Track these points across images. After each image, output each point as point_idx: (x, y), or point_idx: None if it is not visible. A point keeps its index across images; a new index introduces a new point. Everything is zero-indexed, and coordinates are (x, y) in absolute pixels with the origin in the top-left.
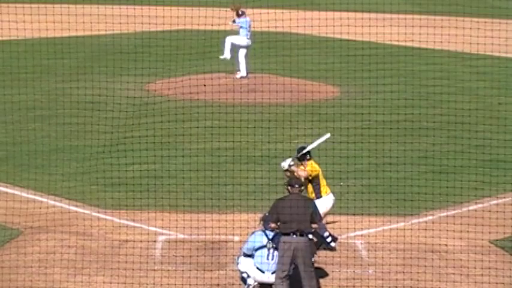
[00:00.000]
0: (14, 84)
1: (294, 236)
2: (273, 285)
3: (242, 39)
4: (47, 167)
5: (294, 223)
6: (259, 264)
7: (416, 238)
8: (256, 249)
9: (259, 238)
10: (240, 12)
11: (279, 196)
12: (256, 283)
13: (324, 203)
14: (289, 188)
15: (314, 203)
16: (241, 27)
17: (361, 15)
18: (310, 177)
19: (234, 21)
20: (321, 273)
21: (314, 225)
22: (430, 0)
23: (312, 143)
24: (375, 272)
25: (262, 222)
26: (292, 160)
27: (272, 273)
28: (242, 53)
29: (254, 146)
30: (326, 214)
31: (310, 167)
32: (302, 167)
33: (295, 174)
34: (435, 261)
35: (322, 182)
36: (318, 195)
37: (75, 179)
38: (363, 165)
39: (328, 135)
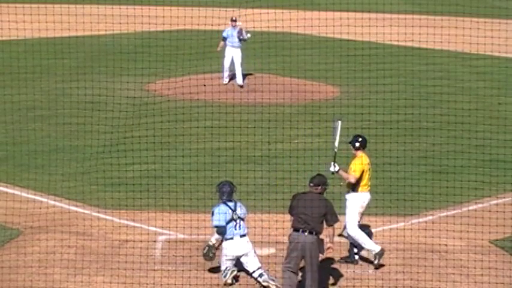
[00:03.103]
0: (14, 84)
1: (304, 234)
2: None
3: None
4: (47, 167)
5: (306, 220)
6: (229, 236)
7: (416, 238)
8: (227, 223)
9: (224, 209)
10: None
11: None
12: (231, 267)
13: (360, 199)
14: (310, 184)
15: (330, 203)
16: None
17: (361, 15)
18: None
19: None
20: (321, 273)
21: (329, 227)
22: (430, 0)
23: (334, 138)
24: (374, 272)
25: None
26: (335, 164)
27: (241, 236)
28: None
29: (254, 146)
30: (360, 212)
31: (361, 162)
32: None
33: (347, 179)
34: (435, 261)
35: (366, 178)
36: (355, 189)
37: (75, 179)
38: None
39: (339, 122)
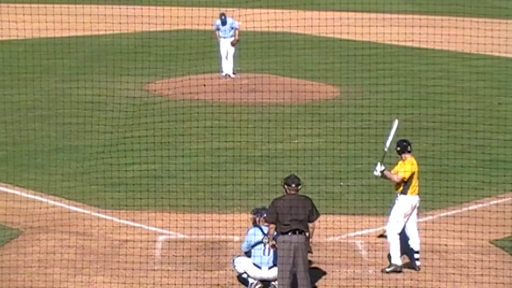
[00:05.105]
0: (14, 84)
1: (293, 235)
2: (272, 283)
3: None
4: (47, 167)
5: (292, 223)
6: (256, 261)
7: None
8: (253, 246)
9: (253, 235)
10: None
11: (279, 196)
12: (256, 281)
13: (408, 201)
14: (285, 187)
15: (311, 201)
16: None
17: (361, 15)
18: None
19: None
20: (321, 273)
21: (310, 224)
22: (430, 0)
23: (388, 135)
24: (374, 272)
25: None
26: (382, 164)
27: (269, 268)
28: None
29: (254, 146)
30: (406, 214)
31: (410, 166)
32: (401, 162)
33: (391, 179)
34: (435, 261)
35: (415, 181)
36: (405, 191)
37: (75, 179)
38: (363, 165)
39: (396, 121)
